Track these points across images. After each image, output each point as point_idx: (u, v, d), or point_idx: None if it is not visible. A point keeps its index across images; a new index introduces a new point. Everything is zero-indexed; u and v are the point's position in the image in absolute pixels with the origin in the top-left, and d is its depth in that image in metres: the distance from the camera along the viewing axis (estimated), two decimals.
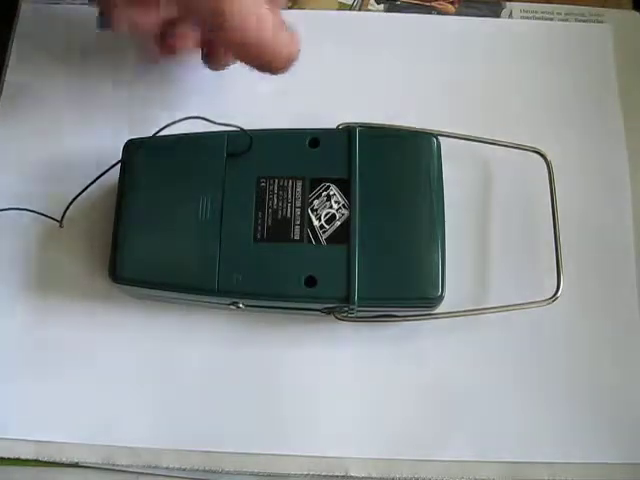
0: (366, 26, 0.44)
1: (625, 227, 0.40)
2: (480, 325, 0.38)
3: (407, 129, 0.37)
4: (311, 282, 0.34)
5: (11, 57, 0.43)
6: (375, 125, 0.38)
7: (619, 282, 0.39)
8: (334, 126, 0.38)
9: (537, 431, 0.37)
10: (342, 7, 0.45)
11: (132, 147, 0.37)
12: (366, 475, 0.36)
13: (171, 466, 0.36)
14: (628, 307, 0.39)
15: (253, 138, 0.36)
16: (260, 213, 0.35)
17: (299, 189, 0.35)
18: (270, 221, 0.35)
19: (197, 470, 0.36)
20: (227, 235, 0.35)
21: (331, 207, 0.35)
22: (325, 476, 0.36)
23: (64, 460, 0.36)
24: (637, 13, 0.45)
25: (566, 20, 0.44)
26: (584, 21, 0.44)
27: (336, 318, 0.36)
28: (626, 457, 0.36)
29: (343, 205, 0.35)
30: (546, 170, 0.38)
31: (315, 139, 0.36)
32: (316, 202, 0.35)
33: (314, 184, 0.35)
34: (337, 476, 0.36)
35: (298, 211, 0.35)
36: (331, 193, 0.35)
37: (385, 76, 0.43)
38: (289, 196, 0.35)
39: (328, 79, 0.42)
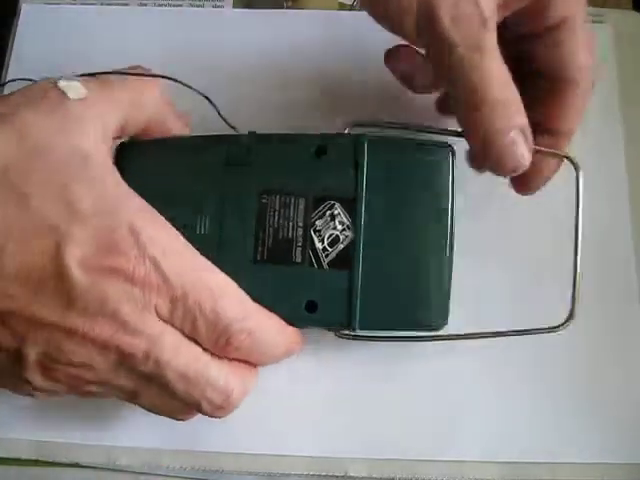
0: (365, 26, 0.44)
1: (624, 228, 0.40)
2: None
3: (421, 138, 0.35)
4: (311, 307, 0.33)
5: (11, 57, 0.43)
6: (385, 135, 0.35)
7: (618, 284, 0.39)
8: (338, 129, 0.36)
9: (537, 431, 0.37)
10: (342, 7, 0.45)
11: (125, 151, 0.34)
12: (366, 475, 0.36)
13: (171, 466, 0.36)
14: (628, 307, 0.39)
15: (255, 145, 0.34)
16: (261, 233, 0.33)
17: (302, 207, 0.33)
18: (271, 242, 0.33)
19: (197, 470, 0.36)
20: (225, 255, 0.33)
21: (335, 228, 0.33)
22: (325, 476, 0.36)
23: (64, 460, 0.36)
24: (637, 14, 0.45)
25: None
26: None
27: (336, 336, 0.35)
28: (627, 457, 0.36)
29: (347, 226, 0.33)
30: (574, 178, 0.35)
31: (322, 147, 0.34)
32: (319, 222, 0.33)
33: (318, 202, 0.33)
34: (337, 476, 0.36)
35: (300, 231, 0.33)
36: (335, 212, 0.33)
37: (386, 76, 0.43)
38: (291, 214, 0.33)
39: (328, 80, 0.42)
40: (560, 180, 0.36)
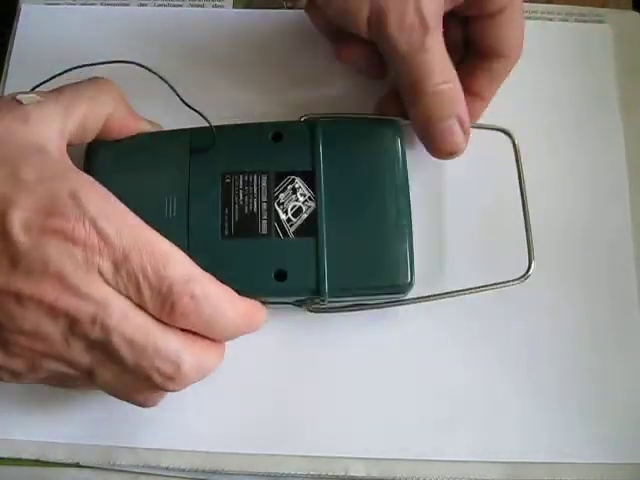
0: None
1: (624, 228, 0.40)
2: (476, 322, 0.38)
3: (369, 115, 0.38)
4: (281, 276, 0.34)
5: (11, 57, 0.43)
6: (336, 115, 0.38)
7: (619, 284, 0.39)
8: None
9: (537, 431, 0.37)
10: None
11: (95, 150, 0.36)
12: (366, 475, 0.36)
13: (171, 466, 0.36)
14: (629, 308, 0.39)
15: (217, 133, 0.36)
16: (227, 209, 0.35)
17: (264, 184, 0.35)
18: (237, 217, 0.35)
19: (197, 470, 0.36)
20: (195, 233, 0.35)
21: (297, 200, 0.35)
22: (325, 476, 0.36)
23: (64, 460, 0.36)
24: (637, 14, 0.45)
25: (566, 20, 0.44)
26: (584, 21, 0.44)
27: (308, 310, 0.36)
28: (627, 457, 0.36)
29: (309, 197, 0.35)
30: (512, 149, 0.38)
31: (278, 133, 0.36)
32: (282, 195, 0.35)
33: (279, 178, 0.36)
34: (337, 476, 0.36)
35: (265, 205, 0.35)
36: (296, 186, 0.35)
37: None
38: (255, 191, 0.35)
39: (328, 80, 0.43)
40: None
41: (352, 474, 0.36)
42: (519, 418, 0.37)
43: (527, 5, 0.45)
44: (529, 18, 0.44)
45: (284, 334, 0.38)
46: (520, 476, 0.36)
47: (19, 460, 0.36)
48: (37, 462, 0.36)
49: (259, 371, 0.37)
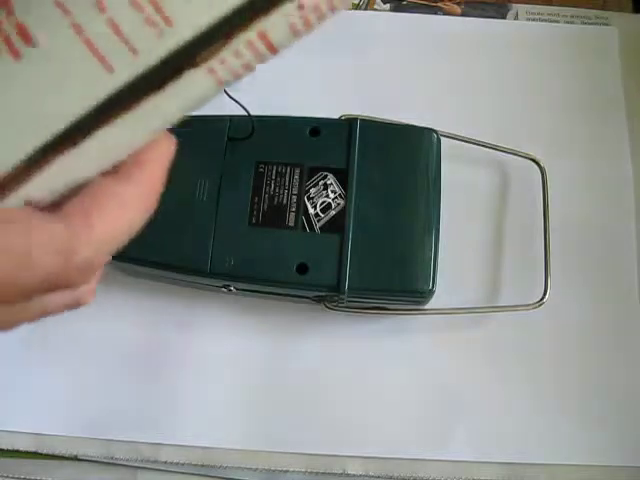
0: (371, 26, 0.44)
1: (629, 233, 0.40)
2: (477, 324, 0.38)
3: (408, 124, 0.38)
4: (302, 269, 0.34)
5: None
6: (377, 119, 0.38)
7: (622, 287, 0.39)
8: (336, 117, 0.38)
9: (536, 432, 0.37)
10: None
11: None
12: (363, 473, 0.36)
13: (170, 461, 0.36)
14: (630, 310, 0.39)
15: (255, 124, 0.36)
16: (257, 198, 0.35)
17: (297, 176, 0.36)
18: (266, 206, 0.35)
19: (196, 465, 0.36)
20: (222, 217, 0.35)
21: (327, 196, 0.35)
22: (323, 473, 0.36)
23: (63, 453, 0.36)
24: None
25: (572, 22, 0.44)
26: (589, 24, 0.44)
27: (326, 307, 0.36)
28: (626, 460, 0.36)
29: (339, 195, 0.35)
30: (540, 177, 0.39)
31: (316, 128, 0.36)
32: (313, 190, 0.35)
33: (312, 172, 0.36)
34: (335, 473, 0.36)
35: (294, 198, 0.35)
36: (328, 182, 0.35)
37: (390, 75, 0.43)
38: (286, 183, 0.35)
39: (333, 76, 0.43)
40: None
41: (350, 472, 0.36)
42: (519, 419, 0.37)
43: (533, 7, 0.45)
44: (535, 20, 0.45)
45: (284, 333, 0.38)
46: (518, 477, 0.36)
47: (17, 452, 0.36)
48: (35, 454, 0.36)
49: (259, 369, 0.37)
